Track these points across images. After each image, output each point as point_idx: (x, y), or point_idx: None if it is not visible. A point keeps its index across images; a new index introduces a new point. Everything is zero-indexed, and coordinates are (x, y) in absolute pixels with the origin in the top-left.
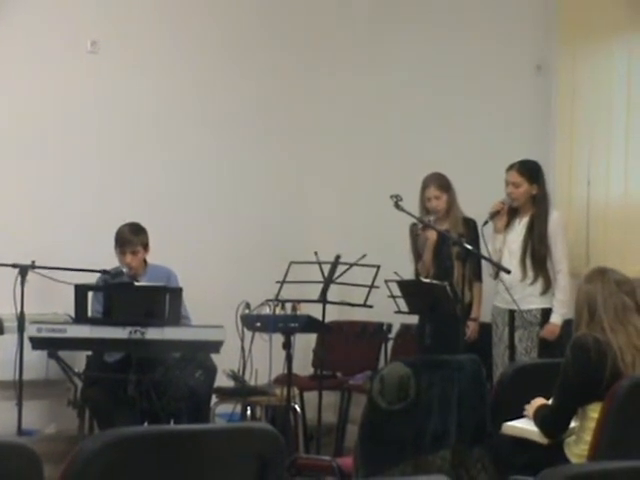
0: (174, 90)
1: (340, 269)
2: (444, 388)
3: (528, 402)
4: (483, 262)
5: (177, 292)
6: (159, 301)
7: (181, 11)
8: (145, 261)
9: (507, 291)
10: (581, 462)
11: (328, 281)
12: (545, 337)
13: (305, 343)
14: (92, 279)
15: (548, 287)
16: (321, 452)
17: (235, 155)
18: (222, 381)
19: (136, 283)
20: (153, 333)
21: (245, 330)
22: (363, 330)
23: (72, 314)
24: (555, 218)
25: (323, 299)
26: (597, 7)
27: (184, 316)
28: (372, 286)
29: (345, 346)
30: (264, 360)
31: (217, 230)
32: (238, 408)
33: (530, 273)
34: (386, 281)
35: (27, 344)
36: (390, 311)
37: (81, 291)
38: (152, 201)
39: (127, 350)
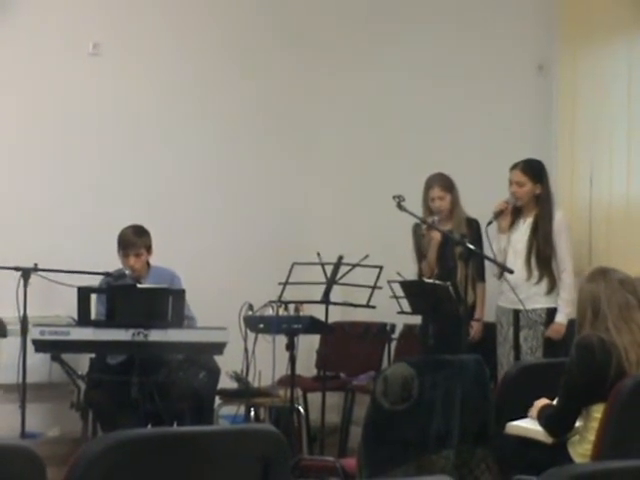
0: (175, 92)
1: (343, 270)
2: (447, 388)
3: (532, 402)
4: (487, 262)
5: (180, 294)
6: (162, 303)
7: (182, 13)
8: (148, 263)
9: (512, 290)
10: (585, 462)
11: (331, 282)
12: (550, 336)
13: (308, 344)
14: (95, 281)
15: (553, 287)
16: (325, 453)
17: (237, 156)
18: (225, 383)
19: (139, 285)
20: (156, 335)
21: (248, 331)
22: (366, 331)
23: (75, 317)
24: (559, 218)
25: (326, 300)
26: (598, 7)
27: (189, 317)
28: (375, 287)
29: (348, 347)
30: (267, 361)
31: (220, 232)
32: (242, 410)
33: (535, 273)
34: (389, 282)
35: (30, 347)
36: (393, 312)
37: (84, 293)
38: (154, 203)
39: (130, 352)
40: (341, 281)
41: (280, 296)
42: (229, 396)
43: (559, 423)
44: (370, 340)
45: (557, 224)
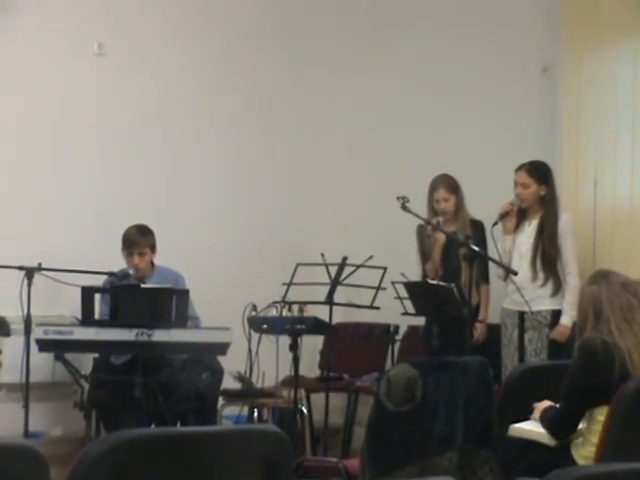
0: (179, 92)
1: (347, 271)
2: (451, 390)
3: (535, 405)
4: (491, 264)
5: (184, 294)
6: (166, 303)
7: (186, 14)
8: (152, 263)
9: (518, 291)
10: (588, 464)
11: (335, 283)
12: (555, 339)
13: (312, 345)
14: (99, 281)
15: (558, 289)
16: (328, 454)
17: (241, 157)
18: (229, 383)
19: (143, 285)
20: (160, 335)
21: (252, 332)
22: (370, 332)
23: (79, 316)
24: (565, 220)
25: (330, 301)
26: (603, 8)
27: (193, 317)
28: (379, 288)
29: (352, 348)
30: (271, 362)
31: (224, 232)
32: (245, 410)
33: (540, 275)
34: (393, 283)
35: (34, 346)
36: (397, 313)
37: (88, 293)
38: (159, 203)
39: (134, 352)
40: (345, 282)
41: (284, 297)
42: (232, 396)
43: (562, 425)
44: (374, 341)
45: (562, 226)
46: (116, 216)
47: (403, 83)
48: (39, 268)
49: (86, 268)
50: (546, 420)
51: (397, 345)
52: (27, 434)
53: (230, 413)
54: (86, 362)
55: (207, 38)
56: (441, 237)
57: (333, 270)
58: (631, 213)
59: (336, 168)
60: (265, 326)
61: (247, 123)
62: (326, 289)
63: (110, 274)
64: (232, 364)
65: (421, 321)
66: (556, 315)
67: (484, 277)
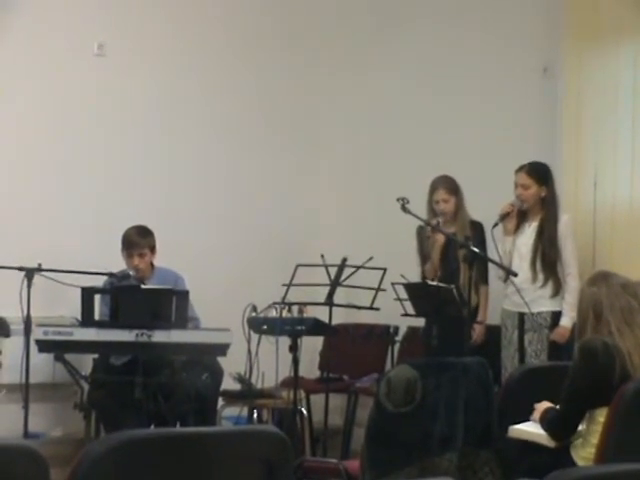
0: (180, 92)
1: (347, 272)
2: (451, 391)
3: (534, 406)
4: (490, 265)
5: (184, 295)
6: (166, 304)
7: (186, 13)
8: (152, 264)
9: (518, 293)
10: (588, 465)
11: (335, 284)
12: (555, 340)
13: (312, 346)
14: (99, 282)
15: (558, 290)
16: (328, 455)
17: (241, 158)
18: (229, 384)
19: (143, 286)
20: (160, 336)
21: (252, 333)
22: (370, 333)
23: (79, 317)
24: (565, 221)
25: (330, 302)
26: (603, 9)
27: (193, 317)
28: (379, 289)
29: (352, 349)
30: (271, 363)
31: (223, 233)
32: (245, 411)
33: (540, 276)
34: (393, 284)
35: (33, 347)
36: (397, 314)
37: (88, 294)
38: (159, 204)
39: (134, 353)
40: (345, 283)
41: (284, 298)
42: (232, 397)
43: (562, 427)
44: (374, 342)
45: (562, 227)
46: (116, 217)
47: (403, 83)
48: (39, 269)
49: (86, 269)
50: (546, 421)
51: (397, 346)
52: (27, 435)
53: (230, 414)
54: (86, 363)
55: (207, 38)
56: (440, 238)
57: (333, 271)
58: (631, 214)
59: (336, 169)
60: (265, 327)
61: (247, 123)
62: (326, 290)
63: (110, 275)
64: (232, 365)
65: (421, 322)
66: (556, 316)
67: (483, 278)
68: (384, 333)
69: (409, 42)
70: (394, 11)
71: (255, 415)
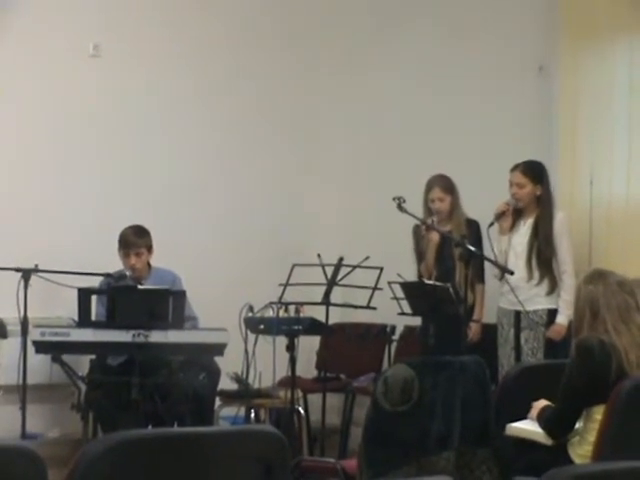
0: (176, 92)
1: (343, 271)
2: (448, 389)
3: (531, 404)
4: (486, 263)
5: (180, 295)
6: (162, 304)
7: (182, 14)
8: (149, 264)
9: (512, 292)
10: (585, 463)
11: (331, 283)
12: (551, 338)
13: (308, 345)
14: (95, 282)
15: (554, 288)
16: (325, 454)
17: (238, 157)
18: (226, 384)
19: (139, 286)
20: (157, 336)
21: (248, 333)
22: (366, 332)
23: (75, 318)
24: (560, 219)
25: (326, 301)
26: (599, 8)
27: (191, 317)
28: (375, 288)
29: (349, 348)
30: (268, 363)
31: (220, 233)
32: (242, 411)
33: (536, 274)
34: (389, 283)
35: (30, 348)
36: (393, 313)
37: (84, 295)
38: (155, 204)
39: (131, 353)
40: (341, 282)
41: (280, 297)
42: (229, 397)
43: (559, 425)
44: (370, 341)
45: (558, 225)
46: (113, 217)
47: (400, 83)
48: (36, 270)
49: (83, 270)
50: (543, 419)
51: (394, 345)
52: (24, 436)
53: (227, 414)
54: (83, 363)
55: (204, 39)
56: (435, 237)
57: (329, 270)
58: (627, 212)
59: (332, 168)
60: (262, 327)
61: (245, 123)
62: (322, 290)
63: (107, 275)
64: (229, 365)
65: (418, 321)
66: (552, 314)
67: (479, 277)
68: (381, 332)
69: (407, 42)
70: (393, 11)
71: (252, 415)
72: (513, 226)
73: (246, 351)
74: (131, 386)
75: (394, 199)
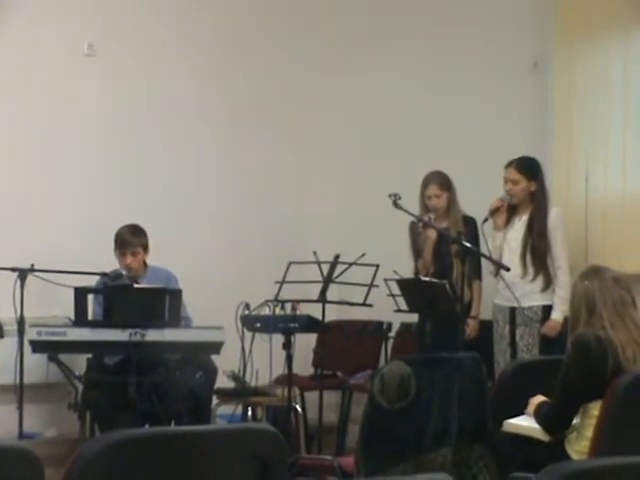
0: (172, 92)
1: (339, 268)
2: (445, 386)
3: (528, 400)
4: (483, 260)
5: (177, 294)
6: (159, 303)
7: (178, 13)
8: (145, 263)
9: (508, 288)
10: (582, 459)
11: (327, 281)
12: (546, 334)
13: (305, 343)
14: (92, 282)
15: (549, 284)
16: (322, 452)
17: (233, 156)
18: (222, 382)
19: (136, 285)
20: (153, 335)
21: (245, 331)
22: (363, 329)
23: (72, 317)
24: (554, 214)
25: (323, 299)
26: (594, 3)
27: (185, 317)
28: (371, 285)
29: (345, 345)
30: (264, 361)
31: (216, 231)
32: (239, 409)
33: (530, 270)
34: (385, 280)
35: (27, 347)
36: (390, 310)
37: (81, 294)
38: (151, 203)
39: (127, 352)
40: (338, 280)
41: (277, 295)
42: (226, 395)
43: (556, 420)
44: (367, 338)
45: (552, 221)
46: (109, 217)
47: (395, 80)
48: (32, 269)
49: (79, 269)
50: (540, 415)
51: (390, 342)
52: (21, 435)
53: (224, 412)
54: (80, 363)
55: (199, 38)
56: (432, 234)
57: (325, 268)
58: (622, 208)
59: (328, 166)
60: (258, 325)
61: (241, 123)
62: (319, 287)
63: (103, 275)
64: (226, 363)
65: (414, 318)
66: (547, 310)
67: (476, 273)
68: (377, 329)
69: (403, 41)
70: (391, 9)
71: (249, 413)
72: (508, 222)
73: (243, 349)
74: (128, 385)
75: (390, 196)
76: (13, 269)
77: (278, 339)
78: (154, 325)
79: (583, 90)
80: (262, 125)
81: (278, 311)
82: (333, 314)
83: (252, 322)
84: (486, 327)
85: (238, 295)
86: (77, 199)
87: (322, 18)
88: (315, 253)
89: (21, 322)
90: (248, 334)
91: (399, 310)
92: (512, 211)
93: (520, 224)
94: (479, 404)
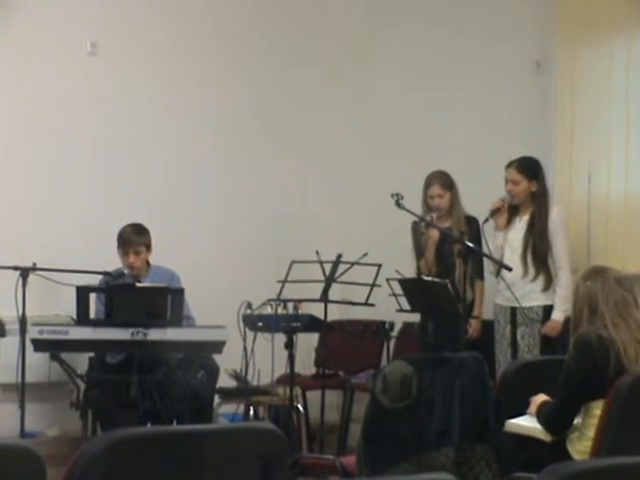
0: (174, 91)
1: (341, 268)
2: (447, 386)
3: (530, 400)
4: (486, 260)
5: (179, 293)
6: (161, 302)
7: (180, 12)
8: (148, 262)
9: (509, 288)
10: (584, 459)
11: (330, 280)
12: (547, 334)
13: (307, 342)
14: (94, 281)
15: (549, 284)
16: (324, 451)
17: (235, 155)
18: (224, 381)
19: (138, 284)
20: (155, 334)
21: (247, 330)
22: (365, 329)
23: (74, 316)
24: (555, 214)
25: (325, 298)
26: (597, 4)
27: (188, 316)
28: (374, 285)
29: (347, 345)
30: (266, 360)
31: (218, 230)
32: (241, 408)
33: (531, 270)
34: (388, 279)
35: (29, 346)
36: (392, 309)
37: (83, 293)
38: (153, 202)
39: (129, 351)
40: (340, 279)
41: (279, 294)
42: (228, 395)
43: (558, 420)
44: (369, 338)
45: (553, 221)
46: (111, 216)
47: (398, 81)
48: (34, 268)
49: (81, 268)
50: (542, 415)
51: (392, 342)
52: (23, 434)
53: (226, 411)
54: (82, 362)
55: (201, 37)
56: (435, 234)
57: (328, 267)
58: (625, 208)
59: (330, 165)
60: (260, 324)
61: (241, 121)
62: (321, 286)
63: (105, 274)
64: (228, 362)
65: (416, 318)
66: (548, 310)
67: (479, 273)
68: (379, 329)
69: (404, 40)
70: (392, 9)
71: (251, 412)
72: (509, 222)
73: (245, 348)
74: (130, 384)
75: (392, 196)
76: (15, 268)
77: (280, 338)
78: (156, 324)
79: (586, 90)
80: (265, 125)
81: (280, 310)
82: (335, 314)
83: (254, 321)
84: (488, 327)
85: (240, 294)
86: (80, 198)
87: (320, 18)
88: (317, 252)
89: (23, 321)
90: (250, 333)
91: (401, 310)
92: (513, 211)
93: (521, 224)
94: (481, 404)
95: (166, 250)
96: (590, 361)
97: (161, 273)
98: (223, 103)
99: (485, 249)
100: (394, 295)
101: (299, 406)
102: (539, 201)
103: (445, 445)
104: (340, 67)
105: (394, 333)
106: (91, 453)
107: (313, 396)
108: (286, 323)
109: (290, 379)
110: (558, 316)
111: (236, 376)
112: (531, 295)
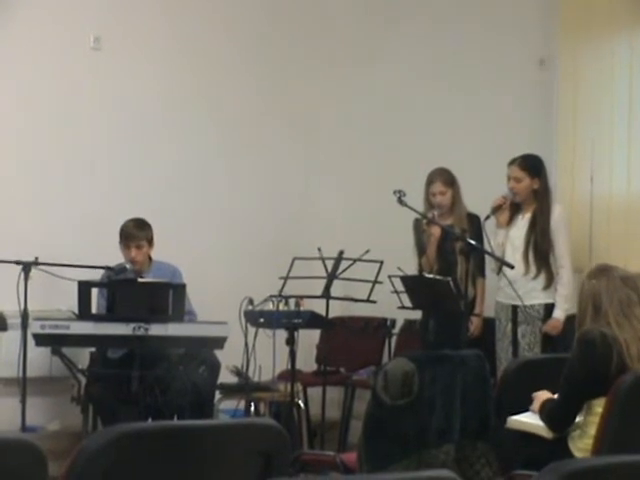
0: (178, 86)
1: (343, 265)
2: (448, 383)
3: (531, 398)
4: (488, 257)
5: (181, 288)
6: (163, 297)
7: (184, 7)
8: (150, 258)
9: (510, 286)
10: (585, 456)
11: (331, 277)
12: (548, 332)
13: (308, 339)
14: (96, 275)
15: (551, 282)
16: (325, 447)
17: (238, 151)
18: (226, 377)
19: (140, 279)
20: (157, 329)
21: (249, 326)
22: (367, 325)
23: (76, 310)
24: (557, 212)
25: (326, 295)
26: (599, 2)
27: (190, 311)
28: (375, 281)
29: (349, 342)
30: (268, 356)
31: (220, 226)
32: (242, 404)
33: (533, 268)
34: (389, 276)
35: (31, 341)
36: (394, 306)
37: (84, 288)
38: (156, 198)
39: (131, 346)
40: (342, 276)
41: (281, 291)
42: (229, 390)
43: (560, 417)
44: (370, 335)
45: (555, 219)
46: (113, 211)
47: (400, 77)
48: (36, 262)
49: (83, 263)
50: (544, 412)
51: (394, 339)
52: (24, 429)
53: (227, 407)
54: (83, 356)
55: (205, 32)
56: (436, 231)
57: (330, 264)
58: (627, 206)
59: (333, 162)
60: (262, 320)
61: (245, 117)
62: (323, 283)
63: (107, 268)
64: (229, 358)
65: (418, 315)
66: (549, 309)
67: (480, 271)
68: (381, 326)
69: (406, 38)
70: (395, 5)
71: (252, 408)
72: (511, 220)
73: (246, 344)
74: (131, 379)
75: (394, 193)
76: (17, 262)
77: (281, 335)
78: (158, 319)
79: (588, 88)
80: (268, 120)
81: (282, 307)
82: (337, 310)
83: (256, 317)
84: (489, 325)
85: (242, 290)
86: (82, 193)
87: (323, 12)
88: (319, 249)
89: (25, 315)
90: (251, 329)
91: (403, 307)
92: (515, 209)
93: (523, 222)
94: (482, 401)
95: (168, 246)
96: (593, 358)
97: (163, 268)
98: (226, 99)
99: (487, 247)
100: (396, 292)
101: (300, 402)
102: (541, 199)
103: (446, 442)
104: (344, 66)
105: (395, 330)
106: (92, 448)
107: (314, 392)
108: (287, 319)
109: (291, 375)
110: (559, 314)
111: (237, 372)
112: (532, 293)
